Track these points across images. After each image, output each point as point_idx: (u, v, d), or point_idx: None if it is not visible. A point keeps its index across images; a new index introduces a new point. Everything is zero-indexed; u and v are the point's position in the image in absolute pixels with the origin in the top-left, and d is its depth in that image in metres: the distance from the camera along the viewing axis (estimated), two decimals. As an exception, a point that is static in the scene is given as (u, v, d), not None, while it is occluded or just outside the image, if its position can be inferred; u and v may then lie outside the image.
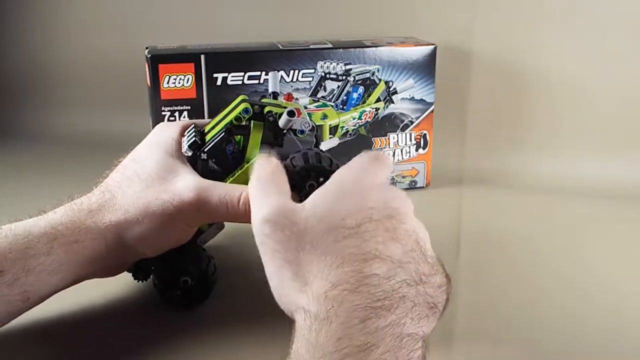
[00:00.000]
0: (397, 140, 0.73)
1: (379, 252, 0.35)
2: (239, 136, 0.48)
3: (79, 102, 0.97)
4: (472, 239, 0.63)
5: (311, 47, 0.69)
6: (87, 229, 0.43)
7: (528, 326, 0.47)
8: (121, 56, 0.93)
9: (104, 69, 0.96)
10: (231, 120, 0.48)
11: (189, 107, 0.67)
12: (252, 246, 0.39)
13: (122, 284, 0.52)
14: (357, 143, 0.72)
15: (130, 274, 0.49)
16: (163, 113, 0.66)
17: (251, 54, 0.68)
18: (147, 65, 0.66)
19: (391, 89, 0.71)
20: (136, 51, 0.72)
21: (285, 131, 0.48)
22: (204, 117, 0.67)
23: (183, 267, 0.47)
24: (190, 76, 0.66)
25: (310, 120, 0.48)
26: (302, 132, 0.48)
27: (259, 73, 0.67)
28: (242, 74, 0.67)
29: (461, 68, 0.82)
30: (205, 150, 0.47)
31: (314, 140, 0.49)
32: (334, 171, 0.42)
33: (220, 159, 0.47)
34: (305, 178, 0.43)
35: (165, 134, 0.48)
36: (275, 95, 0.52)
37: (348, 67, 0.69)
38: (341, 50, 0.69)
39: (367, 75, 0.70)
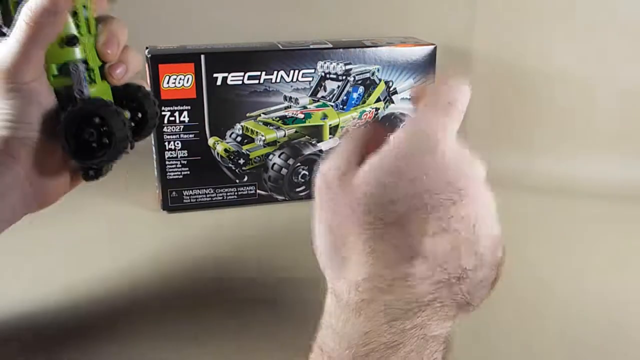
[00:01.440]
0: (397, 140, 0.73)
1: (423, 248, 0.32)
2: None
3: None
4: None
5: (311, 47, 0.69)
6: None
7: (528, 326, 0.47)
8: (121, 56, 0.93)
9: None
10: None
11: (189, 107, 0.67)
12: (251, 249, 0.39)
13: (124, 282, 0.52)
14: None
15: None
16: (163, 113, 0.66)
17: (251, 54, 0.67)
18: (147, 65, 0.66)
19: (391, 89, 0.71)
20: (136, 51, 0.72)
21: None
22: (204, 118, 0.67)
23: (78, 120, 0.45)
24: (190, 76, 0.66)
25: None
26: None
27: (259, 73, 0.67)
28: (242, 74, 0.67)
29: (461, 68, 0.82)
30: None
31: None
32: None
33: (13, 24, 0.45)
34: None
35: None
36: None
37: (348, 67, 0.69)
38: (341, 50, 0.69)
39: (367, 75, 0.70)
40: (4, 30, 0.45)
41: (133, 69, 0.48)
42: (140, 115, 0.49)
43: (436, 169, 0.33)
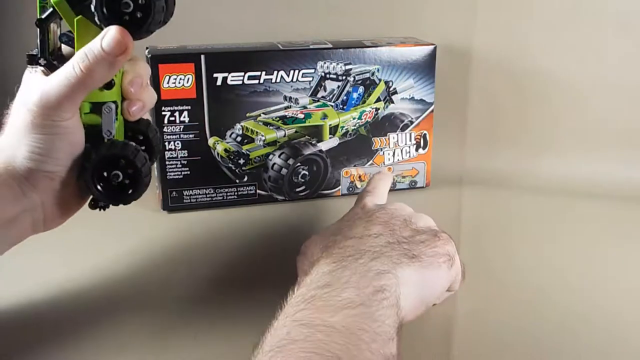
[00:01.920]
0: (397, 140, 0.73)
1: (359, 234, 0.47)
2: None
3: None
4: (472, 239, 0.63)
5: (311, 47, 0.69)
6: None
7: (528, 326, 0.47)
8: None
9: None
10: (40, 15, 0.46)
11: (189, 107, 0.67)
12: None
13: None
14: (357, 143, 0.72)
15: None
16: (163, 113, 0.66)
17: (251, 54, 0.68)
18: (147, 65, 0.66)
19: (391, 89, 0.71)
20: (136, 51, 0.72)
21: None
22: (204, 118, 0.67)
23: (103, 162, 0.46)
24: (190, 76, 0.66)
25: None
26: None
27: (259, 73, 0.67)
28: (242, 74, 0.67)
29: (461, 68, 0.82)
30: (40, 56, 0.46)
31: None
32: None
33: (52, 53, 0.46)
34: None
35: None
36: None
37: (348, 67, 0.69)
38: (341, 50, 0.69)
39: (367, 75, 0.70)
40: (40, 60, 0.46)
41: (149, 107, 0.50)
42: (145, 143, 0.51)
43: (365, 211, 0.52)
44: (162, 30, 0.51)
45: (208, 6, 0.90)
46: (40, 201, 0.45)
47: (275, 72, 0.68)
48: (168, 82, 0.66)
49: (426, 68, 0.71)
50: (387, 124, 0.73)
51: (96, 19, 0.43)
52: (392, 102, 0.72)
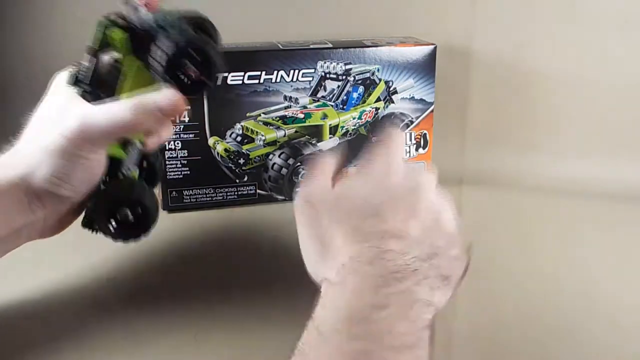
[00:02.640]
0: (397, 140, 0.73)
1: (398, 230, 0.38)
2: (121, 57, 0.47)
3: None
4: (472, 238, 0.63)
5: (311, 47, 0.69)
6: (3, 182, 0.44)
7: (527, 326, 0.47)
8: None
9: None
10: (93, 42, 0.47)
11: (189, 107, 0.67)
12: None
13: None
14: (357, 143, 0.72)
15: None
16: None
17: (251, 54, 0.67)
18: (147, 65, 0.66)
19: (391, 88, 0.71)
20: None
21: (149, 29, 0.45)
22: (204, 118, 0.67)
23: (118, 199, 0.47)
24: (190, 76, 0.66)
25: (176, 11, 0.46)
26: (170, 25, 0.45)
27: (259, 73, 0.67)
28: (242, 74, 0.67)
29: (461, 68, 0.82)
30: (86, 82, 0.46)
31: (190, 28, 0.47)
32: (210, 50, 0.44)
33: (100, 83, 0.47)
34: (177, 65, 0.43)
35: (57, 81, 0.49)
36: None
37: (348, 67, 0.69)
38: (341, 50, 0.69)
39: (367, 75, 0.70)
40: (85, 87, 0.46)
41: (165, 139, 0.51)
42: (148, 169, 0.52)
43: (395, 174, 0.42)
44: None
45: (208, 6, 0.90)
46: (43, 216, 0.45)
47: (275, 72, 0.68)
48: (168, 82, 0.65)
49: (426, 68, 0.71)
50: (387, 124, 0.73)
51: (156, 74, 0.44)
52: (392, 102, 0.72)
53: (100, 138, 0.44)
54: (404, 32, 0.79)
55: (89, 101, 0.46)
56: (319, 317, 0.35)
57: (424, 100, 0.73)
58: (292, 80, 0.68)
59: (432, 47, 0.71)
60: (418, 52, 0.71)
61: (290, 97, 0.69)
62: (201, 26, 0.49)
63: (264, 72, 0.67)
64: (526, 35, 0.81)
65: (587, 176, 0.77)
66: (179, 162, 0.68)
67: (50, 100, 0.48)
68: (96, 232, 0.48)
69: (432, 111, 0.73)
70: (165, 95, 0.44)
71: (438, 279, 0.38)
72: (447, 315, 0.49)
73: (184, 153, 0.68)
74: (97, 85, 0.46)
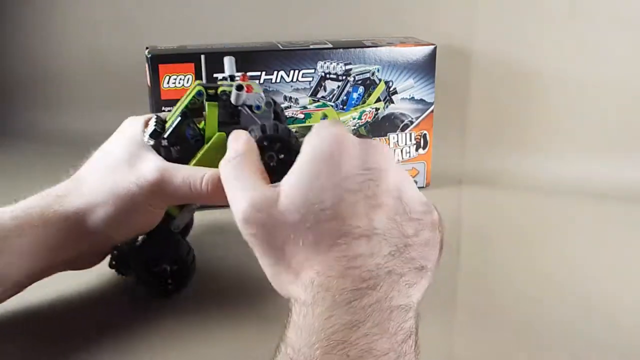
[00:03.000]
0: (397, 140, 0.73)
1: (362, 228, 0.35)
2: (202, 121, 0.49)
3: (79, 102, 0.97)
4: (472, 239, 0.63)
5: (311, 47, 0.69)
6: (55, 213, 0.44)
7: (527, 325, 0.47)
8: (121, 56, 0.93)
9: (103, 69, 0.96)
10: (186, 105, 0.49)
11: (189, 107, 0.67)
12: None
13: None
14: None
15: (114, 271, 0.50)
16: (163, 113, 0.66)
17: (251, 54, 0.67)
18: (147, 65, 0.66)
19: (391, 89, 0.71)
20: (136, 51, 0.72)
21: (240, 108, 0.48)
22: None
23: (160, 254, 0.48)
24: (190, 76, 0.66)
25: (266, 95, 0.49)
26: (258, 107, 0.48)
27: (259, 73, 0.67)
28: (242, 74, 0.67)
29: (461, 68, 0.82)
30: (165, 137, 0.48)
31: (272, 115, 0.50)
32: (293, 141, 0.44)
33: (181, 144, 0.48)
34: (263, 149, 0.43)
35: (132, 126, 0.49)
36: (232, 78, 0.52)
37: (348, 67, 0.69)
38: (341, 50, 0.69)
39: (367, 75, 0.70)
40: (163, 141, 0.48)
41: None
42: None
43: (347, 156, 0.36)
44: (162, 30, 0.51)
45: (208, 6, 0.90)
46: (86, 253, 0.47)
47: (275, 72, 0.68)
48: (168, 82, 0.66)
49: (426, 68, 0.71)
50: (387, 124, 0.73)
51: None
52: (392, 102, 0.72)
53: (171, 198, 0.45)
54: (404, 32, 0.79)
55: (159, 154, 0.47)
56: (289, 337, 0.32)
57: (424, 100, 0.73)
58: (292, 80, 0.68)
59: (432, 47, 0.71)
60: (418, 52, 0.71)
61: (290, 98, 0.69)
62: (276, 109, 0.51)
63: (264, 72, 0.67)
64: (526, 35, 0.81)
65: (587, 176, 0.77)
66: (179, 162, 0.68)
67: (122, 142, 0.48)
68: (122, 275, 0.50)
69: (432, 111, 0.73)
70: None
71: (414, 273, 0.35)
72: (447, 315, 0.49)
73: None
74: (173, 143, 0.48)
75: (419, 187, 0.75)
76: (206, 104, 0.48)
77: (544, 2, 0.79)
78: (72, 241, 0.45)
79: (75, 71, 0.97)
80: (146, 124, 0.49)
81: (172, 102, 0.66)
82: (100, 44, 0.95)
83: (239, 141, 0.42)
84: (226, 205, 0.39)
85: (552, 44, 0.80)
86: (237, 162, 0.40)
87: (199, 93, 0.48)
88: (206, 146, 0.48)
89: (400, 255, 0.35)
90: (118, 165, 0.46)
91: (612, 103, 0.79)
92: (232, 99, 0.48)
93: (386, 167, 0.37)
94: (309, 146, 0.38)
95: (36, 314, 0.48)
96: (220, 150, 0.47)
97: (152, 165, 0.45)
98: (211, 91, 0.48)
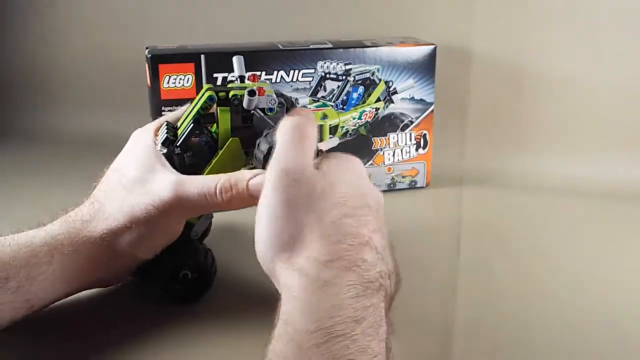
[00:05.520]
0: (397, 140, 0.73)
1: (370, 240, 0.37)
2: (214, 126, 0.48)
3: (79, 102, 0.97)
4: (472, 238, 0.63)
5: (311, 47, 0.69)
6: (84, 239, 0.45)
7: (528, 325, 0.47)
8: (121, 56, 0.93)
9: (103, 69, 0.96)
10: (198, 111, 0.48)
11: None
12: (247, 240, 0.39)
13: None
14: (357, 143, 0.72)
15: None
16: (163, 113, 0.66)
17: (251, 54, 0.67)
18: (147, 65, 0.66)
19: (391, 89, 0.71)
20: (136, 51, 0.72)
21: (252, 111, 0.48)
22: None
23: (181, 261, 0.49)
24: (190, 76, 0.66)
25: (278, 96, 0.48)
26: (270, 109, 0.48)
27: (258, 73, 0.67)
28: (251, 73, 0.67)
29: (461, 68, 0.82)
30: (178, 144, 0.48)
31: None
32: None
33: (194, 151, 0.48)
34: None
35: (141, 138, 0.49)
36: (242, 79, 0.52)
37: (348, 67, 0.69)
38: (341, 50, 0.69)
39: (367, 75, 0.70)
40: (176, 149, 0.48)
41: None
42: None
43: (364, 180, 0.41)
44: (162, 30, 0.51)
45: (208, 6, 0.90)
46: (114, 272, 0.48)
47: (275, 72, 0.68)
48: (168, 82, 0.66)
49: (426, 68, 0.71)
50: (387, 124, 0.73)
51: (255, 161, 0.46)
52: (392, 102, 0.72)
53: (189, 211, 0.46)
54: (404, 32, 0.79)
55: (172, 163, 0.47)
56: (292, 316, 0.34)
57: (424, 100, 0.73)
58: (292, 80, 0.68)
59: (432, 47, 0.71)
60: (418, 52, 0.71)
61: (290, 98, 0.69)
62: (288, 108, 0.50)
63: (264, 72, 0.67)
64: (526, 36, 0.81)
65: (587, 176, 0.77)
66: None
67: (134, 158, 0.48)
68: (144, 283, 0.50)
69: (432, 111, 0.73)
70: (257, 179, 0.44)
71: (389, 299, 0.37)
72: (447, 314, 0.49)
73: (184, 153, 0.68)
74: (185, 150, 0.48)
75: (418, 187, 0.76)
76: (218, 109, 0.48)
77: (544, 2, 0.79)
78: (101, 264, 0.46)
79: (76, 71, 0.97)
80: (156, 132, 0.49)
81: (172, 102, 0.66)
82: (100, 44, 0.95)
83: (304, 117, 0.42)
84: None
85: (552, 44, 0.80)
86: (298, 131, 0.40)
87: (211, 98, 0.48)
88: (220, 152, 0.47)
89: (388, 279, 0.37)
90: (133, 185, 0.46)
91: (612, 103, 0.79)
92: (245, 104, 0.47)
93: (375, 202, 0.41)
94: (335, 160, 0.41)
95: (42, 316, 0.47)
96: (234, 155, 0.47)
97: (166, 182, 0.45)
98: (222, 94, 0.48)
